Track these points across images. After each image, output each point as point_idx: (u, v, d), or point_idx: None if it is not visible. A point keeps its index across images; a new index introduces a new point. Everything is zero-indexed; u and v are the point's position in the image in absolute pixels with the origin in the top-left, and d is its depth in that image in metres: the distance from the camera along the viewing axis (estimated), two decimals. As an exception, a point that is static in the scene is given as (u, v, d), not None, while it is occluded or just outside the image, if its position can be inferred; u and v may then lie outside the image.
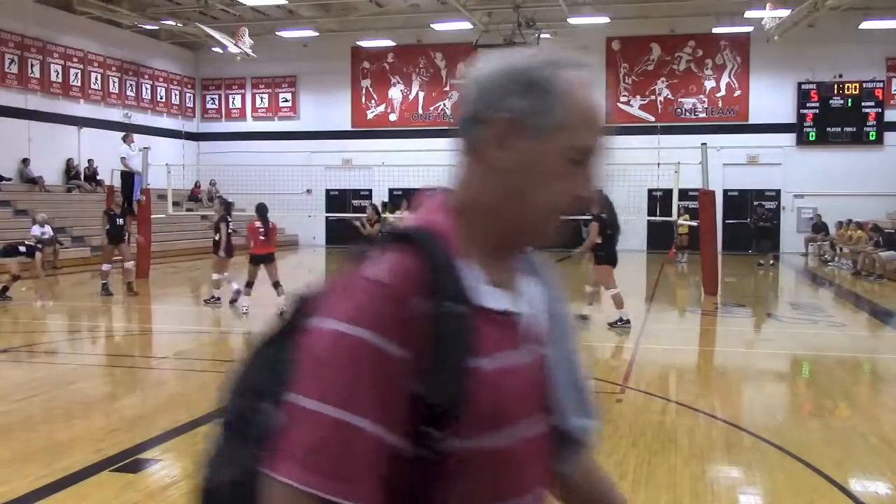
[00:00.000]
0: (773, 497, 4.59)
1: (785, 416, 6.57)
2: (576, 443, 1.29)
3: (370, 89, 29.38)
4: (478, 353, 1.09)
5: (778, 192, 26.36)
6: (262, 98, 30.52)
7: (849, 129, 25.66)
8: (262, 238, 11.34)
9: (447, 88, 28.68)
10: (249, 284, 11.44)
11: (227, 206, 12.88)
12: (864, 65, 25.40)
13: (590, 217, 10.37)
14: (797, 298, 16.10)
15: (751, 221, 23.37)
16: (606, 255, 10.46)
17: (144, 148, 17.95)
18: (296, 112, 30.17)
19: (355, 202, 21.65)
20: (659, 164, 18.78)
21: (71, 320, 12.28)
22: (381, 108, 29.33)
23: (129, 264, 13.92)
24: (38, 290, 13.39)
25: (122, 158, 17.54)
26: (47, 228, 18.80)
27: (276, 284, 11.23)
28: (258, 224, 11.41)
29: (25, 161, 23.36)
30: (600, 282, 10.65)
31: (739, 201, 26.19)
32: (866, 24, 23.15)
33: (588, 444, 1.32)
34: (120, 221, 13.93)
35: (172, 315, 11.98)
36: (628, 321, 10.31)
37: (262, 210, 11.62)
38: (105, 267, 13.66)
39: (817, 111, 25.82)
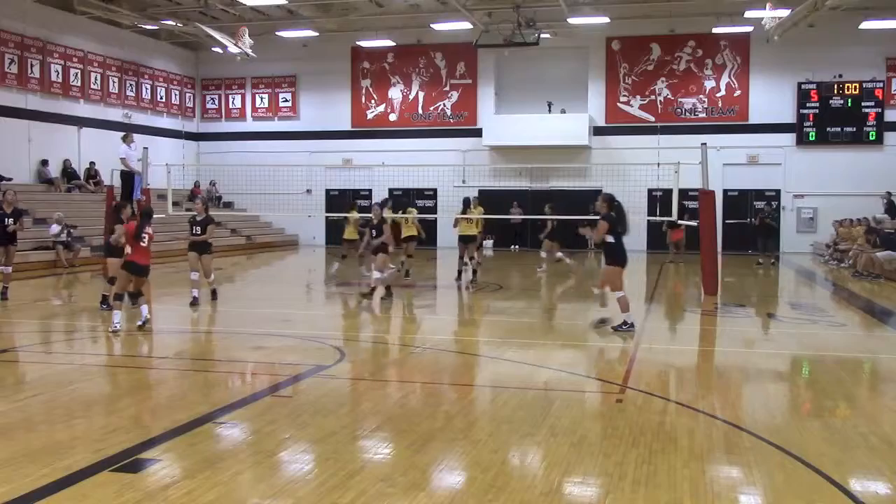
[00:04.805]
0: (773, 497, 4.59)
1: (785, 416, 6.57)
2: None
3: (370, 89, 29.38)
4: None
5: (778, 192, 26.37)
6: (262, 98, 30.52)
7: (849, 129, 25.68)
8: (143, 245, 10.11)
9: (447, 88, 28.70)
10: (119, 297, 10.12)
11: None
12: (864, 65, 25.42)
13: (597, 217, 10.37)
14: (797, 298, 16.10)
15: (756, 219, 23.26)
16: (615, 255, 10.37)
17: (144, 148, 17.94)
18: (296, 112, 30.16)
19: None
20: (659, 164, 18.78)
21: (71, 320, 12.28)
22: (381, 108, 29.33)
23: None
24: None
25: (123, 158, 17.53)
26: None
27: (136, 295, 10.18)
28: (149, 229, 10.17)
29: (44, 162, 23.39)
30: (608, 283, 10.56)
31: (739, 201, 26.24)
32: (866, 24, 23.17)
33: None
34: (197, 230, 13.12)
35: (172, 315, 11.95)
36: (633, 325, 10.25)
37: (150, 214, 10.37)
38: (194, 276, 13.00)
39: (817, 111, 25.84)
